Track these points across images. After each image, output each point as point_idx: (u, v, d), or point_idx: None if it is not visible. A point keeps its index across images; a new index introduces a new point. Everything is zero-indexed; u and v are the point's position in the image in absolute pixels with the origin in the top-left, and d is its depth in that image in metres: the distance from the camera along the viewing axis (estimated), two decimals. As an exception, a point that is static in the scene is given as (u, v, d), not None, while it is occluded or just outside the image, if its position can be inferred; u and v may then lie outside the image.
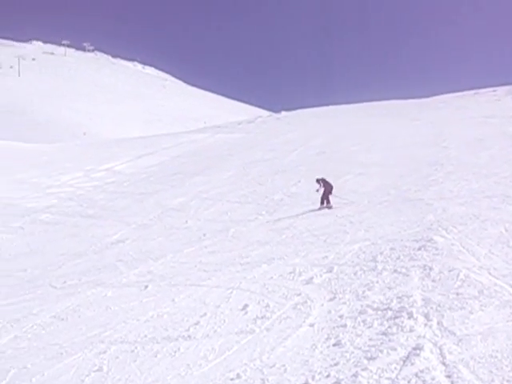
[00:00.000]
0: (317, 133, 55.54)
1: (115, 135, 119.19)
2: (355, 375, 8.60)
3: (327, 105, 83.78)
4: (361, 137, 49.85)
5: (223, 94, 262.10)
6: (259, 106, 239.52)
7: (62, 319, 15.51)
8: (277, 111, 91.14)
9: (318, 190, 28.59)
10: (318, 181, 28.99)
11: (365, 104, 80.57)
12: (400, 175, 32.68)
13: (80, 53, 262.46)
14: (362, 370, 8.80)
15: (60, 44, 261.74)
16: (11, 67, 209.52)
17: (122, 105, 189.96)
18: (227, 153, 51.72)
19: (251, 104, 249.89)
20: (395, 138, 47.07)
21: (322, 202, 28.32)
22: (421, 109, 67.58)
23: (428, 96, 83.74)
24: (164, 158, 54.32)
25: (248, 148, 52.68)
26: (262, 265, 17.98)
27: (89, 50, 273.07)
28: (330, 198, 28.45)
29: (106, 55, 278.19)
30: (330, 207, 27.92)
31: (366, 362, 9.12)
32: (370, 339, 10.13)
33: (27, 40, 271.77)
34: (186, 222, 30.30)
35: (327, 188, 28.57)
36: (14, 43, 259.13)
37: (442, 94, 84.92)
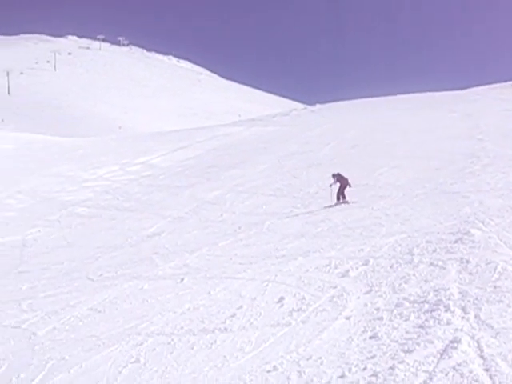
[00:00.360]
0: (351, 125, 55.31)
1: (150, 129, 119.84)
2: (392, 368, 8.58)
3: (362, 97, 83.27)
4: (395, 129, 49.53)
5: (258, 87, 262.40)
6: (294, 99, 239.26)
7: (99, 311, 15.64)
8: (311, 104, 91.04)
9: (331, 185, 28.62)
10: (333, 176, 29.01)
11: (399, 96, 79.95)
12: (436, 168, 32.41)
13: (115, 47, 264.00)
14: (399, 362, 8.77)
15: (95, 38, 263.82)
16: (48, 62, 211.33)
17: (157, 99, 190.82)
18: (262, 146, 51.70)
19: (286, 97, 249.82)
20: (430, 131, 46.69)
21: (338, 198, 28.26)
22: (456, 101, 66.92)
23: (463, 88, 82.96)
24: (199, 151, 54.47)
25: (283, 141, 52.62)
26: (297, 257, 17.98)
27: (123, 44, 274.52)
28: (346, 193, 28.41)
29: (140, 49, 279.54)
30: (346, 202, 27.89)
31: (402, 354, 9.09)
32: (407, 332, 10.10)
33: (63, 35, 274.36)
34: (222, 215, 30.38)
35: (343, 183, 28.50)
36: (50, 38, 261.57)
37: (477, 85, 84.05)
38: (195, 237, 26.45)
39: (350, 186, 28.40)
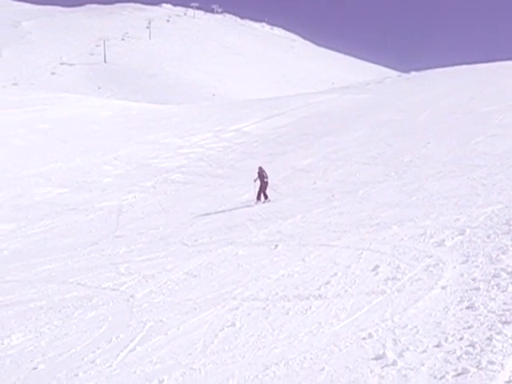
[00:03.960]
0: (448, 93, 54.22)
1: (243, 96, 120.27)
2: (489, 339, 8.45)
3: (459, 64, 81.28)
4: (495, 97, 48.22)
5: (352, 55, 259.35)
6: (388, 66, 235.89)
7: (195, 276, 15.89)
8: (406, 71, 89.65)
9: (255, 181, 29.15)
10: (259, 170, 29.17)
11: (500, 63, 77.47)
12: (536, 137, 31.57)
13: (209, 15, 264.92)
14: (497, 333, 8.63)
15: (189, 6, 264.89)
16: (143, 30, 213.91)
17: (250, 66, 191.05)
18: (355, 114, 51.30)
19: (380, 64, 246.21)
20: (532, 99, 45.36)
21: (258, 197, 28.48)
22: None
23: None
24: (292, 118, 54.43)
25: (376, 109, 52.05)
26: (392, 226, 17.85)
27: (217, 12, 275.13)
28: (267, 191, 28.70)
29: (234, 17, 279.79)
30: (268, 201, 28.22)
31: (500, 325, 8.93)
32: (505, 303, 9.91)
33: (157, 3, 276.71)
34: (315, 182, 30.37)
35: (262, 184, 28.61)
36: (145, 7, 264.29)
37: None
38: (289, 204, 26.54)
39: (267, 178, 28.75)
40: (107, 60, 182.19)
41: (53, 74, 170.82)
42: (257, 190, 28.66)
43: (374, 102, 57.25)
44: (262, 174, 28.57)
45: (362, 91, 66.83)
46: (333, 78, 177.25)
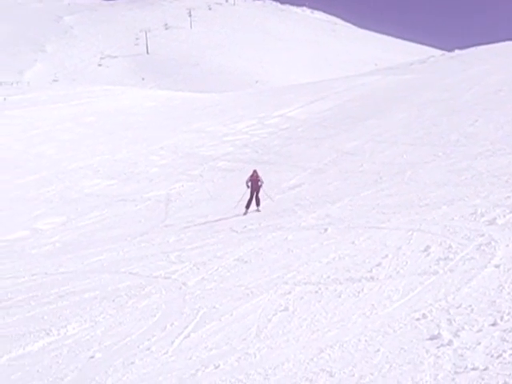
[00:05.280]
0: (493, 70, 53.37)
1: (286, 82, 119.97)
2: (547, 316, 8.38)
3: (504, 40, 79.85)
4: (542, 72, 47.37)
5: (393, 35, 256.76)
6: (431, 46, 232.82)
7: (246, 262, 15.95)
8: (450, 50, 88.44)
9: (247, 184, 26.15)
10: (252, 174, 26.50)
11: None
12: None
13: (249, 1, 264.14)
14: (554, 310, 8.55)
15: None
16: (184, 20, 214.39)
17: (292, 51, 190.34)
18: (400, 94, 50.81)
19: (423, 44, 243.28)
20: None
21: (248, 206, 25.61)
22: None
23: None
24: (336, 102, 54.14)
25: (421, 89, 51.48)
26: (441, 206, 17.72)
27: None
28: (260, 196, 25.93)
29: (274, 2, 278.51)
30: (258, 211, 25.36)
31: (557, 303, 8.85)
32: (561, 280, 9.82)
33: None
34: (362, 165, 30.21)
35: (254, 188, 25.91)
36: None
37: None
38: (336, 187, 26.48)
39: (261, 186, 26.00)
40: (149, 51, 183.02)
41: (99, 66, 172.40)
42: (247, 196, 26.05)
43: (418, 82, 56.63)
44: (256, 179, 26.04)
45: (405, 72, 66.13)
46: (375, 60, 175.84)
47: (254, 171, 26.55)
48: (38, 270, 20.37)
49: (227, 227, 22.53)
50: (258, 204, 25.59)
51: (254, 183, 25.89)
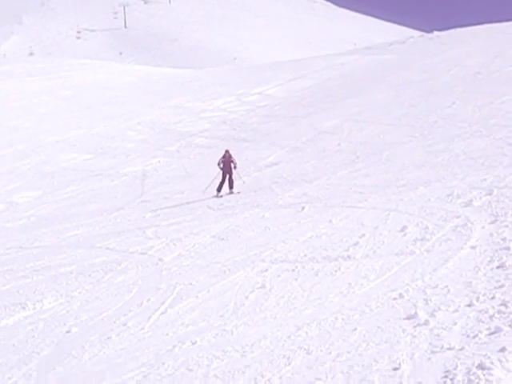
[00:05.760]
0: (472, 53, 53.50)
1: (265, 59, 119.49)
2: (522, 297, 8.45)
3: (483, 23, 79.92)
4: (521, 55, 47.45)
5: (373, 15, 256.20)
6: (410, 26, 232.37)
7: (223, 239, 15.97)
8: (429, 31, 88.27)
9: (219, 165, 24.99)
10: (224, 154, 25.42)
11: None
12: None
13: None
14: (530, 292, 8.62)
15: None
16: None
17: (271, 29, 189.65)
18: (379, 74, 50.83)
19: (402, 24, 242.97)
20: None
21: (219, 189, 24.47)
22: None
23: None
24: (315, 80, 54.05)
25: (400, 69, 51.50)
26: (418, 187, 17.80)
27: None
28: (234, 178, 24.78)
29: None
30: (232, 193, 24.31)
31: (533, 284, 8.92)
32: (537, 262, 9.90)
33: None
34: (339, 144, 30.23)
35: (225, 169, 24.80)
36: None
37: None
38: (313, 166, 26.49)
39: (235, 167, 24.87)
40: (128, 25, 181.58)
41: (77, 39, 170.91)
42: (218, 179, 24.88)
43: (397, 62, 56.64)
44: (229, 160, 24.97)
45: (384, 52, 66.13)
46: (354, 39, 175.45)
47: (226, 151, 25.41)
48: (13, 244, 20.33)
49: (204, 204, 22.55)
50: (231, 187, 24.48)
51: (227, 164, 24.82)
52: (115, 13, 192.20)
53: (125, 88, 60.24)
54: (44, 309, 12.45)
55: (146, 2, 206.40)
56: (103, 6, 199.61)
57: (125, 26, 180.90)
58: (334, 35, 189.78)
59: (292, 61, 75.48)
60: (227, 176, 24.68)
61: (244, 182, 25.10)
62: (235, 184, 24.66)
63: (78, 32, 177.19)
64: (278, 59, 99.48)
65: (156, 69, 78.66)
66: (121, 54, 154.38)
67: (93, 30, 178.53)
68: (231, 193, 24.26)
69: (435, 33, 79.83)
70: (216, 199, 23.29)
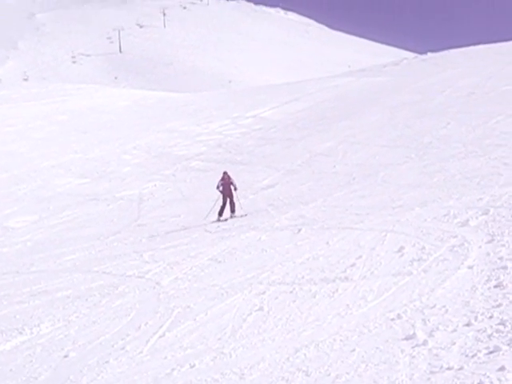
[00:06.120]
0: (466, 73, 53.77)
1: (260, 82, 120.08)
2: (520, 316, 8.45)
3: (476, 44, 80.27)
4: (514, 76, 47.64)
5: (367, 37, 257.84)
6: (404, 48, 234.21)
7: (220, 261, 15.96)
8: (422, 52, 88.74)
9: (219, 188, 24.39)
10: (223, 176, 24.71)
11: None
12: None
13: (223, 1, 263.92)
14: (527, 311, 8.62)
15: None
16: (158, 19, 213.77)
17: (266, 52, 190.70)
18: (373, 96, 51.04)
19: (396, 46, 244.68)
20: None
21: (221, 213, 23.87)
22: None
23: None
24: (310, 103, 54.25)
25: (394, 91, 51.75)
26: (414, 208, 17.82)
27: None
28: (235, 201, 24.20)
29: (248, 3, 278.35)
30: (234, 216, 23.72)
31: (530, 304, 8.92)
32: (534, 281, 9.90)
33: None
34: (335, 166, 30.31)
35: (225, 192, 24.21)
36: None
37: None
38: (309, 188, 26.55)
39: (235, 189, 24.29)
40: (123, 50, 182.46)
41: (73, 63, 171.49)
42: (219, 202, 24.27)
43: (392, 84, 56.92)
44: (228, 182, 24.34)
45: (378, 74, 66.46)
46: (349, 62, 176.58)
47: (225, 173, 24.75)
48: (10, 269, 20.29)
49: (200, 227, 22.53)
50: (232, 210, 23.90)
51: (227, 187, 24.21)
52: (110, 38, 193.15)
53: (120, 112, 60.39)
54: (41, 334, 12.40)
55: (141, 27, 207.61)
56: (98, 31, 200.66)
57: (120, 51, 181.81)
58: (328, 58, 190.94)
59: (286, 83, 75.81)
60: (228, 199, 24.12)
61: (241, 205, 24.65)
62: (237, 205, 24.16)
63: (73, 57, 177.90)
64: (272, 82, 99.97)
65: (151, 93, 78.93)
66: (116, 78, 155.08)
67: (88, 55, 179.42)
68: (233, 217, 23.63)
69: (429, 54, 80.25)
70: (213, 222, 23.27)
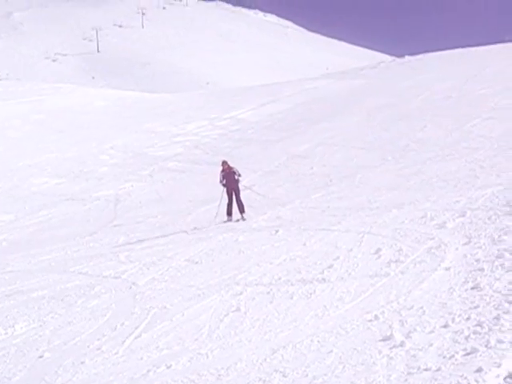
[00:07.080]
0: (443, 77, 54.06)
1: (238, 84, 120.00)
2: (497, 318, 8.45)
3: (453, 48, 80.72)
4: (491, 80, 47.90)
5: (345, 40, 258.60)
6: (382, 51, 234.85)
7: (196, 262, 15.88)
8: (400, 56, 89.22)
9: (221, 182, 22.40)
10: (222, 165, 22.58)
11: (497, 45, 76.36)
12: (532, 118, 31.56)
13: (201, 2, 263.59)
14: (504, 313, 8.62)
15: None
16: (135, 19, 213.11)
17: (244, 53, 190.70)
18: (351, 99, 51.21)
19: (374, 49, 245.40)
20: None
21: (229, 213, 21.98)
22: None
23: None
24: (288, 105, 54.30)
25: (371, 94, 51.96)
26: (391, 210, 17.89)
27: (210, 0, 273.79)
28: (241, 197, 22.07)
29: (227, 4, 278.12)
30: (243, 219, 21.74)
31: (507, 305, 8.92)
32: (510, 283, 9.91)
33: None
34: (312, 168, 30.36)
35: (229, 185, 22.17)
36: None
37: None
38: (286, 190, 26.59)
39: (239, 175, 22.43)
40: (100, 50, 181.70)
41: (51, 62, 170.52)
42: (224, 199, 22.37)
43: (369, 87, 57.15)
44: (230, 172, 22.17)
45: (356, 76, 66.63)
46: (327, 64, 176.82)
47: (224, 163, 22.33)
48: (-16, 269, 20.04)
49: (177, 228, 22.45)
50: (241, 210, 21.87)
51: (230, 178, 22.00)
52: (87, 37, 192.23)
53: (97, 112, 60.08)
54: (16, 334, 12.27)
55: (119, 26, 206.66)
56: (76, 30, 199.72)
57: (97, 50, 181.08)
58: (307, 60, 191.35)
59: (265, 85, 75.77)
60: (233, 194, 22.02)
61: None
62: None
63: (51, 56, 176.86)
64: (250, 84, 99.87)
65: (129, 93, 78.58)
66: (93, 78, 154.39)
67: (65, 54, 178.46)
68: (242, 219, 21.66)
69: (406, 57, 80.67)
70: (190, 223, 23.16)
